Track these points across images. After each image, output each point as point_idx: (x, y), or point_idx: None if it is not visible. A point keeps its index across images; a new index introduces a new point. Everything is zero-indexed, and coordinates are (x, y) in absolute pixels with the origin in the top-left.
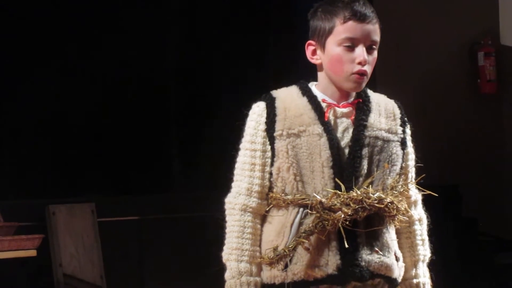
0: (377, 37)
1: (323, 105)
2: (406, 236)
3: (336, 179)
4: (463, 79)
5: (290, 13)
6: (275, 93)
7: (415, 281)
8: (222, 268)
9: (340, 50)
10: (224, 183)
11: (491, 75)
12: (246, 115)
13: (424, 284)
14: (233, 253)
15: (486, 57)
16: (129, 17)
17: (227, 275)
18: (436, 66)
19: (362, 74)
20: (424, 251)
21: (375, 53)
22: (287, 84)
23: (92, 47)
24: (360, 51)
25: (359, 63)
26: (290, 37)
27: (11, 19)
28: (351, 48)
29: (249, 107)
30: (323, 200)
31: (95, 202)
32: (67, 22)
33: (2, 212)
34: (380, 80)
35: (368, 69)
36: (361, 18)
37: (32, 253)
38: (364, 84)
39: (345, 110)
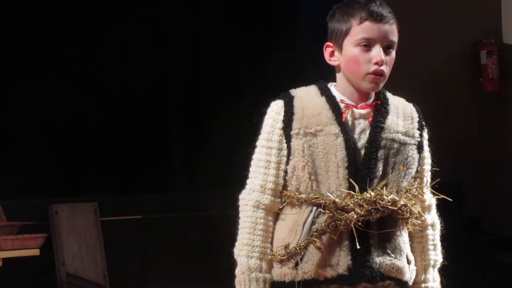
0: (394, 37)
1: (341, 105)
2: (418, 241)
3: (351, 180)
4: (466, 77)
5: (292, 14)
6: (294, 92)
7: (423, 285)
8: (231, 264)
9: (357, 51)
10: (226, 182)
11: (494, 73)
12: (264, 113)
13: None
14: (244, 249)
15: (488, 56)
16: (130, 16)
17: (237, 270)
18: (439, 65)
19: (379, 74)
20: (436, 256)
21: (393, 53)
22: (290, 85)
23: (94, 47)
24: (377, 51)
25: (376, 63)
26: (292, 37)
27: (13, 18)
28: (367, 48)
29: (267, 105)
30: (337, 200)
31: (98, 201)
32: (68, 22)
33: (5, 211)
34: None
35: (385, 69)
36: (377, 18)
37: (35, 252)
38: (381, 85)
39: (363, 111)
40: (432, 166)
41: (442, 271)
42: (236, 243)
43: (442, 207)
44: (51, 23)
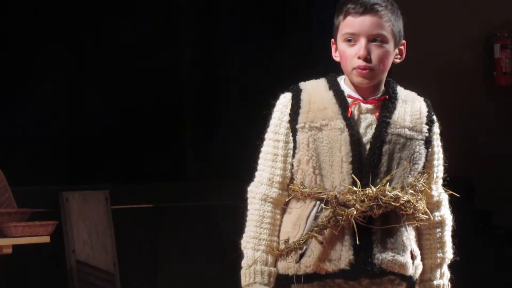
0: (382, 30)
1: (349, 100)
2: (425, 238)
3: (353, 175)
4: (479, 71)
5: (304, 14)
6: (303, 85)
7: (430, 283)
8: (239, 255)
9: (344, 46)
10: (238, 172)
11: (507, 67)
12: (273, 105)
13: (438, 286)
14: (251, 241)
15: (502, 50)
16: (143, 9)
17: (243, 262)
18: (452, 58)
19: (363, 68)
20: (443, 253)
21: (386, 46)
22: (304, 78)
23: (107, 39)
24: (359, 46)
25: (359, 58)
26: (307, 30)
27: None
28: (352, 43)
29: (276, 97)
30: (338, 195)
31: (109, 189)
32: (82, 13)
33: (16, 198)
34: (396, 72)
35: (374, 63)
36: (359, 11)
37: (46, 239)
38: (372, 78)
39: (370, 106)
40: (444, 160)
41: (452, 264)
42: (244, 235)
43: (453, 200)
44: (61, 15)
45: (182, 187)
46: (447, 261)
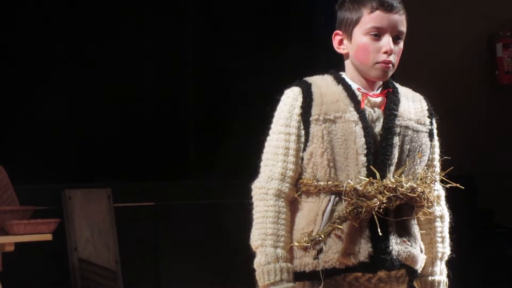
0: (403, 28)
1: (358, 93)
2: (426, 233)
3: (371, 167)
4: (481, 70)
5: (308, 18)
6: (310, 79)
7: (430, 278)
8: (249, 255)
9: (366, 40)
10: (241, 170)
11: (509, 66)
12: (278, 101)
13: (439, 282)
14: (269, 238)
15: (504, 49)
16: (147, 10)
17: (261, 261)
18: (454, 57)
19: (387, 63)
20: (443, 248)
21: (401, 44)
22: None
23: (110, 41)
24: (386, 41)
25: (385, 53)
26: (308, 29)
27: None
28: (377, 37)
29: (281, 93)
30: (358, 187)
31: (112, 187)
32: (86, 18)
33: (19, 195)
34: (398, 70)
35: (393, 59)
36: (388, 8)
37: (48, 237)
38: (390, 74)
39: (377, 99)
40: (440, 156)
41: (454, 262)
42: (257, 233)
43: (456, 198)
44: (64, 18)
45: (184, 185)
46: (446, 257)
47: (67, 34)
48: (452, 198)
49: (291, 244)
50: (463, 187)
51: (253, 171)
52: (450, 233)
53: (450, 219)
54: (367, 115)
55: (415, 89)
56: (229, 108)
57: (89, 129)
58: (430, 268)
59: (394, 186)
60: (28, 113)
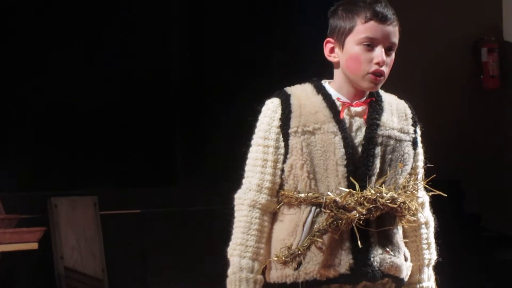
0: (396, 39)
1: (338, 103)
2: (412, 240)
3: (351, 178)
4: (466, 74)
5: (295, 16)
6: (290, 90)
7: (418, 285)
8: (225, 263)
9: (359, 49)
10: (227, 177)
11: (494, 70)
12: (259, 111)
13: None
14: (237, 248)
15: (489, 53)
16: (133, 9)
17: (229, 270)
18: (440, 62)
19: (379, 74)
20: (430, 255)
21: (393, 55)
22: (293, 80)
23: (95, 42)
24: (379, 52)
25: (377, 63)
26: (295, 36)
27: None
28: (370, 48)
29: (262, 103)
30: (337, 198)
31: (98, 195)
32: (69, 19)
33: (4, 204)
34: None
35: (385, 70)
36: (382, 19)
37: (34, 245)
38: (380, 85)
39: (359, 109)
40: (425, 163)
41: (441, 267)
42: (230, 243)
43: (442, 204)
44: (53, 20)
45: (170, 193)
46: (433, 262)
47: (52, 41)
48: (438, 203)
49: (271, 258)
50: (445, 194)
51: (239, 178)
52: (437, 238)
53: (436, 224)
54: (346, 125)
55: (401, 93)
56: (217, 114)
57: (75, 136)
58: (418, 276)
59: (375, 197)
60: (13, 120)
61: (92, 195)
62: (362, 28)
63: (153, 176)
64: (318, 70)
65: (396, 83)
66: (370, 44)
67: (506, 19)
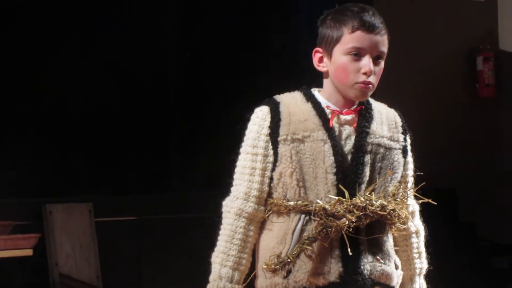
0: (384, 48)
1: (327, 111)
2: (402, 249)
3: (340, 186)
4: (462, 83)
5: (292, 16)
6: (279, 97)
7: None
8: (206, 269)
9: (346, 59)
10: (223, 183)
11: (490, 79)
12: (248, 119)
13: None
14: (219, 256)
15: (484, 62)
16: (128, 14)
17: (210, 277)
18: (435, 70)
19: (366, 84)
20: (421, 264)
21: (382, 64)
22: (289, 87)
23: (89, 47)
24: (367, 62)
25: (364, 73)
26: (292, 39)
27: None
28: (357, 57)
29: (251, 111)
30: (327, 206)
31: (93, 201)
32: (62, 24)
33: None
34: (379, 83)
35: (373, 80)
36: (369, 28)
37: (28, 252)
38: (369, 94)
39: (348, 117)
40: (415, 171)
41: (436, 276)
42: (215, 249)
43: (437, 212)
44: (44, 27)
45: (165, 199)
46: (424, 271)
47: (46, 44)
48: (433, 211)
49: (260, 266)
50: (435, 203)
51: (225, 185)
52: (431, 246)
53: (428, 232)
54: (336, 134)
55: (397, 101)
56: (212, 122)
57: (70, 143)
58: (410, 285)
59: (364, 204)
60: (7, 127)
61: (87, 202)
62: (349, 38)
63: (149, 183)
64: (315, 78)
65: (393, 91)
66: (357, 54)
67: (502, 28)
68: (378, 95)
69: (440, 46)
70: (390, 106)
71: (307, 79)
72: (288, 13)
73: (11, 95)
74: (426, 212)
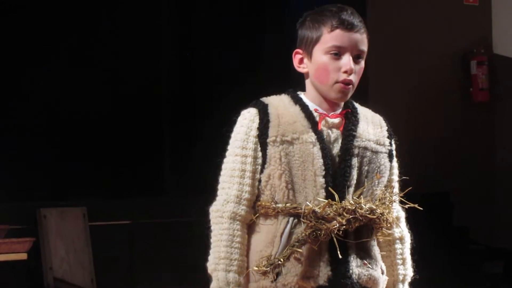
0: (364, 47)
1: (315, 114)
2: (386, 255)
3: (330, 188)
4: (456, 87)
5: (284, 17)
6: (267, 100)
7: None
8: (208, 276)
9: (326, 59)
10: (216, 188)
11: (483, 83)
12: (235, 122)
13: None
14: (221, 262)
15: (478, 66)
16: (122, 16)
17: (213, 285)
18: (429, 74)
19: (347, 83)
20: (405, 270)
21: (362, 63)
22: (280, 88)
23: (84, 50)
24: (347, 60)
25: (345, 72)
26: (284, 40)
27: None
28: (337, 56)
29: (238, 114)
30: (317, 209)
31: (87, 206)
32: (55, 28)
33: None
34: (373, 88)
35: (353, 78)
36: (348, 27)
37: (23, 256)
38: (349, 94)
39: (336, 120)
40: (400, 176)
41: (429, 280)
42: (211, 257)
43: (431, 216)
44: (42, 28)
45: (159, 204)
46: (409, 278)
47: (40, 47)
48: (427, 215)
49: (250, 269)
50: (421, 208)
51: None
52: (425, 250)
53: (411, 240)
54: (324, 136)
55: (391, 106)
56: (206, 125)
57: (64, 148)
58: None
59: (353, 207)
60: (1, 130)
61: (81, 206)
62: (329, 37)
63: (142, 187)
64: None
65: (386, 96)
66: (337, 53)
67: (496, 32)
68: (373, 98)
69: (434, 50)
70: (384, 109)
71: (294, 83)
72: (279, 15)
73: (5, 99)
74: (419, 216)
